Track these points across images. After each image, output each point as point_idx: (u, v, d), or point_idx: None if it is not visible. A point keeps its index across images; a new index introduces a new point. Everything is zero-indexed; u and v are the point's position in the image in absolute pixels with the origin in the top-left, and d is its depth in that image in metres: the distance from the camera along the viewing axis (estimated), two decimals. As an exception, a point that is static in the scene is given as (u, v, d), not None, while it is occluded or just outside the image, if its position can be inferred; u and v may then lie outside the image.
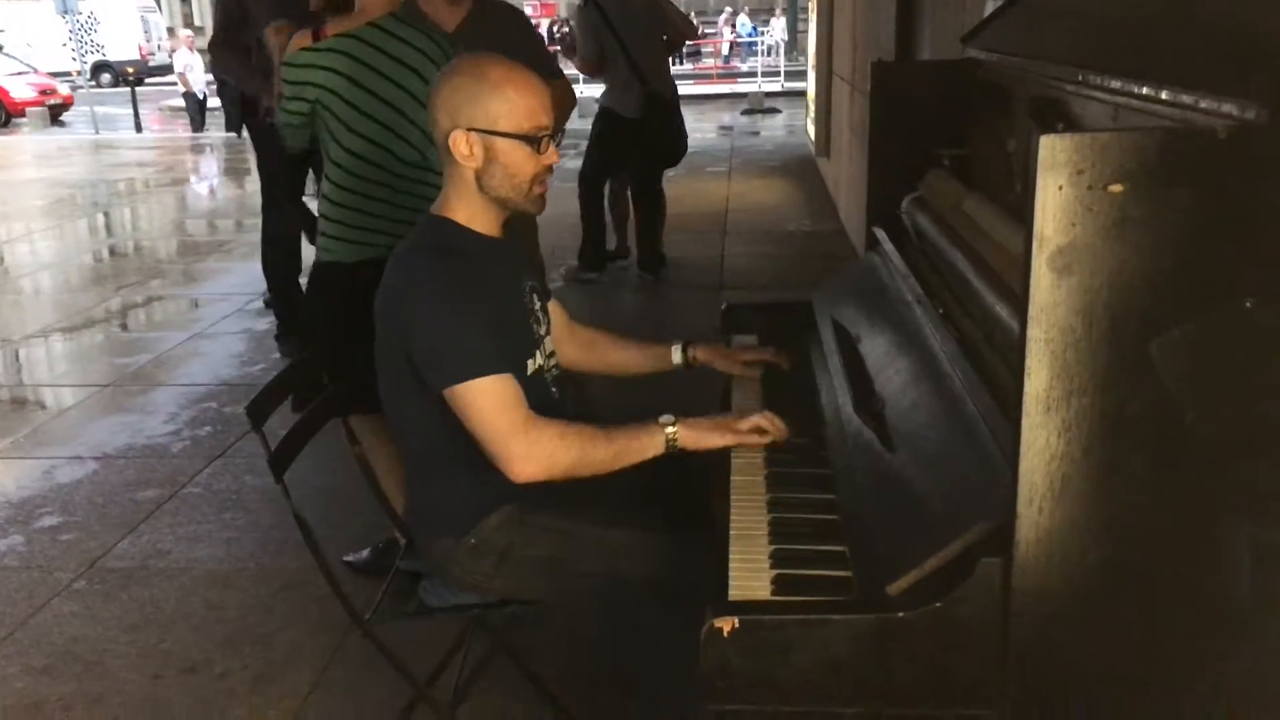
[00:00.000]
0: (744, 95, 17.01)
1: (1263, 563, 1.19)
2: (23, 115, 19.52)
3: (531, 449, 1.85)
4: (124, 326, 6.15)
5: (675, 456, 1.92)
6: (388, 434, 2.77)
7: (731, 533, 1.66)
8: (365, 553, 3.19)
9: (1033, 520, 1.25)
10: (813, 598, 1.44)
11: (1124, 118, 1.59)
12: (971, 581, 1.30)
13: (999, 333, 1.69)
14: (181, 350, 5.50)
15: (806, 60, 12.76)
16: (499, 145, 1.88)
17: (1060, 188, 1.16)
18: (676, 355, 2.31)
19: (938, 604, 1.31)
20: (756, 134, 14.14)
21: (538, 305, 2.12)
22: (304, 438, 2.19)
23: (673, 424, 1.91)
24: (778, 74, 20.16)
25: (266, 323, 5.82)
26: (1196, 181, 1.15)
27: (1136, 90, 1.42)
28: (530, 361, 2.02)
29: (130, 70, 20.68)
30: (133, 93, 17.80)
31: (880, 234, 2.52)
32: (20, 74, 20.93)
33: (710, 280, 6.41)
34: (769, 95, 17.37)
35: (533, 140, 1.90)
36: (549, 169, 1.95)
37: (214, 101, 14.31)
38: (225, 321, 5.96)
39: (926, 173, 2.48)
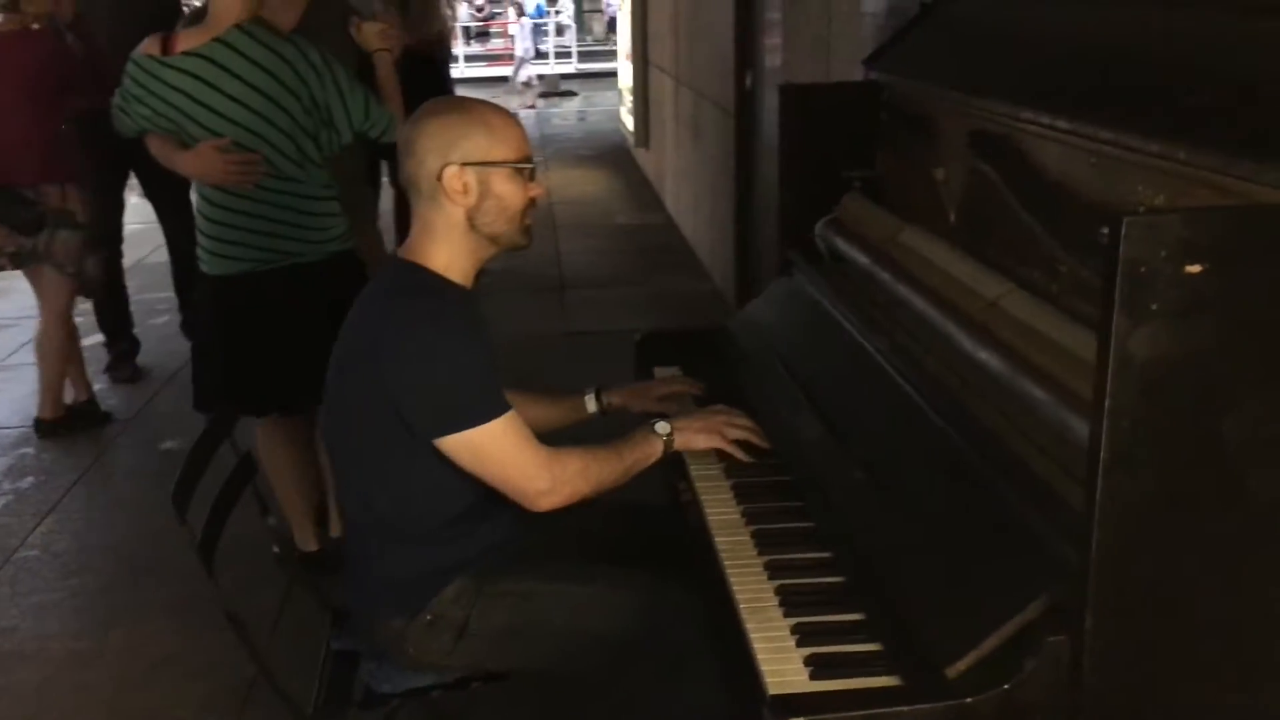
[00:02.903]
0: (540, 77, 16.76)
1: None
2: None
3: (556, 484, 1.83)
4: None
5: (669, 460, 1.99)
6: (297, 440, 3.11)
7: (741, 607, 1.59)
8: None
9: (1105, 602, 1.23)
10: (859, 682, 1.39)
11: (1105, 165, 1.60)
12: (1039, 661, 1.28)
13: (985, 381, 1.69)
14: (-22, 386, 4.96)
15: (599, 42, 12.56)
16: (494, 177, 1.81)
17: (1141, 269, 1.14)
18: (591, 404, 2.26)
19: (1005, 686, 1.29)
20: (552, 120, 13.96)
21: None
22: (224, 516, 1.98)
23: (668, 431, 1.96)
24: (570, 55, 20.03)
25: (76, 349, 5.31)
26: (1273, 260, 1.15)
27: (1150, 147, 1.43)
28: None
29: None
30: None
31: (798, 259, 2.48)
32: None
33: (550, 278, 6.29)
34: (564, 77, 17.24)
35: (522, 169, 1.84)
36: (534, 201, 1.88)
37: None
38: (25, 350, 5.39)
39: (835, 194, 2.47)
